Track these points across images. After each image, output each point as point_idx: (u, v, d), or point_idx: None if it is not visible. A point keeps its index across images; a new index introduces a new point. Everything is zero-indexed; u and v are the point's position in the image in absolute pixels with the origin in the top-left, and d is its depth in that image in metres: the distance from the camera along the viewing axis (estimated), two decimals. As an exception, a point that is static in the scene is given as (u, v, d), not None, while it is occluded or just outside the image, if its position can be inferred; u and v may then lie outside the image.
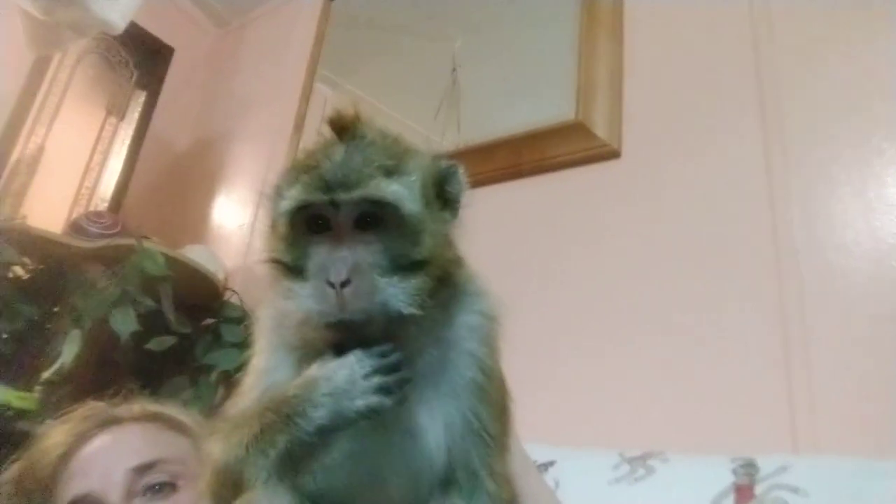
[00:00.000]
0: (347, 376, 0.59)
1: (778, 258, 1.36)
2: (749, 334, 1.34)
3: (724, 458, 1.03)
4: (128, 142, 2.78)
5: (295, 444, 0.59)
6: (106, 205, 2.66)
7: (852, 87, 1.40)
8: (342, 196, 0.61)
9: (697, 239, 1.49)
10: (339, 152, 0.62)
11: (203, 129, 3.06)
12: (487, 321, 0.68)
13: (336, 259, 0.61)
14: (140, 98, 2.85)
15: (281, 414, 0.60)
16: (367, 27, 2.54)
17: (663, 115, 1.66)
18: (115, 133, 2.78)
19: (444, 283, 0.65)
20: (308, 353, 0.64)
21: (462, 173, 0.68)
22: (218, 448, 0.63)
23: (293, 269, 0.64)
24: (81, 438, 1.05)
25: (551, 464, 1.13)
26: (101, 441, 1.05)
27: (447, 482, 0.63)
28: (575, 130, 1.72)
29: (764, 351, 1.31)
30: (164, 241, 2.28)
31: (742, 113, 1.51)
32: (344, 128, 0.64)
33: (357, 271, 0.60)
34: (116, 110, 2.79)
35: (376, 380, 0.59)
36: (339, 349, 0.62)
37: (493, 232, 1.73)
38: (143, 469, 1.00)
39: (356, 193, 0.60)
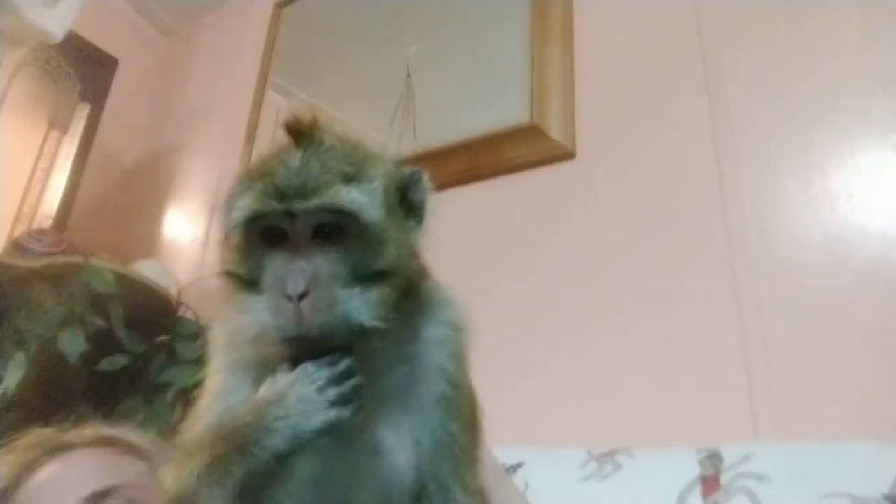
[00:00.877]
0: (300, 395, 0.57)
1: (731, 253, 1.40)
2: (707, 327, 1.37)
3: (689, 450, 1.04)
4: (72, 156, 2.67)
5: (252, 474, 0.56)
6: (50, 222, 2.55)
7: (794, 86, 1.45)
8: (298, 205, 0.57)
9: (653, 235, 1.51)
10: (295, 159, 0.59)
11: (152, 141, 2.98)
12: (454, 332, 0.67)
13: (293, 271, 0.58)
14: (84, 111, 2.74)
15: (234, 444, 0.56)
16: (319, 34, 2.51)
17: (614, 114, 1.68)
18: (58, 147, 2.67)
19: (410, 295, 0.63)
20: (265, 371, 0.62)
21: (426, 179, 0.66)
22: (171, 477, 0.60)
23: (248, 281, 0.61)
24: (29, 468, 0.98)
25: (520, 465, 1.13)
26: (50, 470, 0.98)
27: (418, 498, 0.62)
28: (530, 133, 1.73)
29: (722, 342, 1.34)
30: (113, 257, 2.20)
31: (691, 112, 1.55)
32: (301, 133, 0.61)
33: (316, 283, 0.57)
34: (59, 124, 2.68)
35: (331, 393, 0.57)
36: (297, 365, 0.59)
37: (452, 236, 1.71)
38: (98, 497, 0.94)
39: (313, 202, 0.57)
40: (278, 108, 2.53)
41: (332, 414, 0.56)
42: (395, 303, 0.60)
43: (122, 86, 2.84)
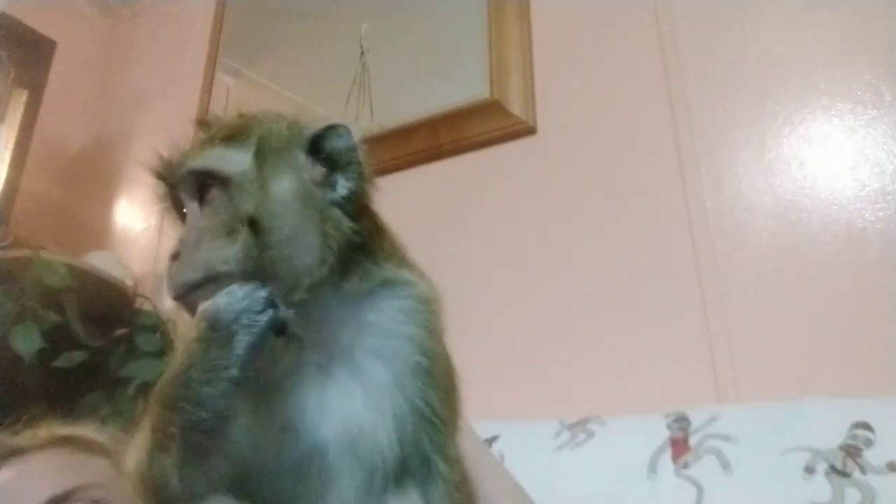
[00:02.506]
0: (218, 321, 0.54)
1: (690, 222, 1.43)
2: (669, 295, 1.41)
3: (657, 414, 1.07)
4: (11, 145, 2.54)
5: (192, 430, 0.53)
6: (-8, 216, 2.44)
7: (746, 58, 1.49)
8: (172, 177, 0.62)
9: (614, 209, 1.54)
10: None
11: (97, 127, 2.85)
12: (424, 304, 0.66)
13: (180, 235, 0.61)
14: (21, 97, 2.60)
15: (169, 401, 0.54)
16: (268, 12, 2.44)
17: (574, 89, 1.70)
18: (-6, 137, 2.54)
19: (368, 260, 0.63)
20: None
21: (344, 130, 0.64)
22: (130, 460, 0.58)
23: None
24: None
25: (494, 438, 1.14)
26: (3, 477, 0.92)
27: (401, 472, 0.62)
28: (491, 108, 1.72)
29: (683, 309, 1.38)
30: (63, 249, 2.11)
31: (649, 85, 1.57)
32: (205, 123, 0.65)
33: (186, 243, 0.59)
34: (-6, 112, 2.55)
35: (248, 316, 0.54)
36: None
37: (417, 215, 1.72)
38: (59, 501, 0.89)
39: (181, 171, 0.61)
40: (228, 89, 2.46)
41: (253, 336, 0.53)
42: (346, 261, 0.61)
43: (61, 70, 2.71)
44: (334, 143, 0.63)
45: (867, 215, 1.27)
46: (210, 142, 0.62)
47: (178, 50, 2.68)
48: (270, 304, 0.55)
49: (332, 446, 0.60)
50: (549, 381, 1.45)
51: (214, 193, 0.60)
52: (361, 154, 0.64)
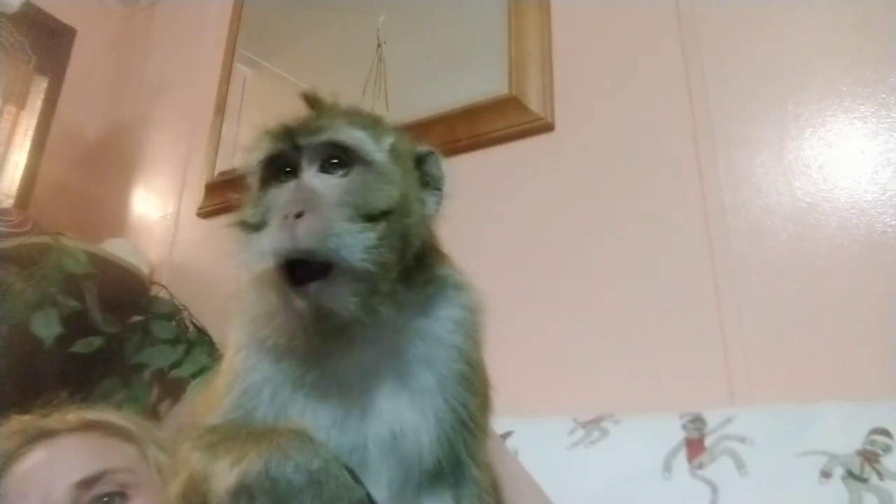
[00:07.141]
0: (337, 480, 0.54)
1: (707, 222, 1.43)
2: (685, 295, 1.41)
3: (672, 414, 1.07)
4: (31, 132, 2.56)
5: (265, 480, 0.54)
6: (11, 201, 2.46)
7: (768, 58, 1.47)
8: (305, 141, 0.62)
9: (631, 208, 1.54)
10: (308, 113, 0.65)
11: (115, 115, 2.87)
12: (471, 315, 0.69)
13: (296, 194, 0.60)
14: (42, 84, 2.63)
15: (261, 453, 0.54)
16: (286, 3, 2.44)
17: (593, 86, 1.69)
18: (15, 123, 2.56)
19: (424, 270, 0.66)
20: (286, 350, 0.63)
21: (439, 157, 0.70)
22: (195, 457, 0.59)
23: (257, 227, 0.62)
24: (12, 457, 0.95)
25: (509, 434, 1.15)
26: (35, 457, 0.96)
27: (436, 474, 0.63)
28: (509, 104, 1.72)
29: (699, 310, 1.37)
30: (80, 236, 2.14)
31: (669, 84, 1.56)
32: (317, 100, 0.66)
33: (314, 206, 0.58)
34: (15, 98, 2.56)
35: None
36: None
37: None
38: (89, 483, 0.93)
39: (319, 138, 0.61)
40: (245, 79, 2.47)
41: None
42: (409, 275, 0.63)
43: (81, 58, 2.73)
44: (432, 167, 0.69)
45: (888, 219, 1.26)
46: (346, 120, 0.64)
47: (195, 40, 2.69)
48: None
49: (375, 443, 0.62)
50: (564, 378, 1.46)
51: (343, 168, 0.62)
52: (449, 185, 0.69)
